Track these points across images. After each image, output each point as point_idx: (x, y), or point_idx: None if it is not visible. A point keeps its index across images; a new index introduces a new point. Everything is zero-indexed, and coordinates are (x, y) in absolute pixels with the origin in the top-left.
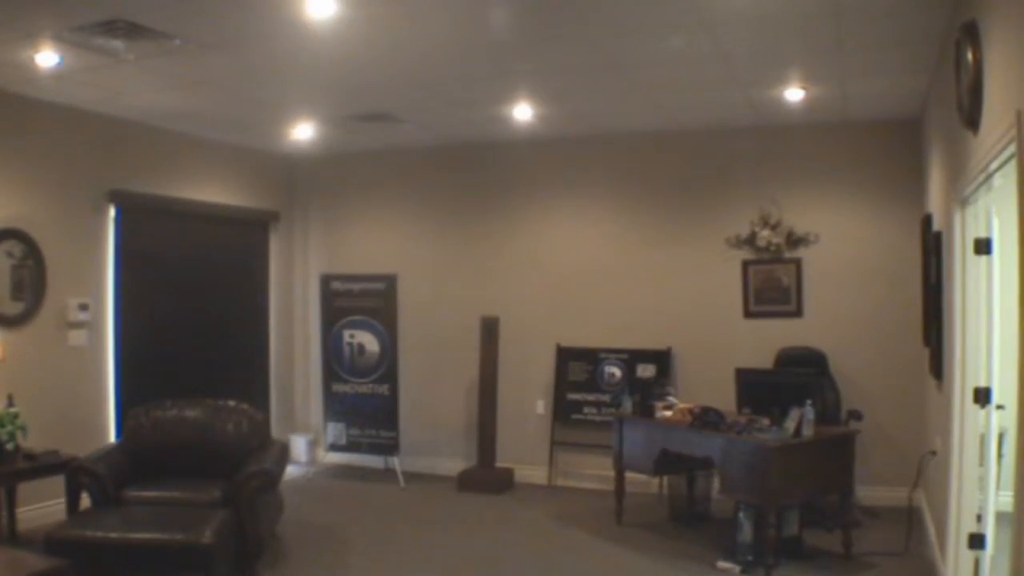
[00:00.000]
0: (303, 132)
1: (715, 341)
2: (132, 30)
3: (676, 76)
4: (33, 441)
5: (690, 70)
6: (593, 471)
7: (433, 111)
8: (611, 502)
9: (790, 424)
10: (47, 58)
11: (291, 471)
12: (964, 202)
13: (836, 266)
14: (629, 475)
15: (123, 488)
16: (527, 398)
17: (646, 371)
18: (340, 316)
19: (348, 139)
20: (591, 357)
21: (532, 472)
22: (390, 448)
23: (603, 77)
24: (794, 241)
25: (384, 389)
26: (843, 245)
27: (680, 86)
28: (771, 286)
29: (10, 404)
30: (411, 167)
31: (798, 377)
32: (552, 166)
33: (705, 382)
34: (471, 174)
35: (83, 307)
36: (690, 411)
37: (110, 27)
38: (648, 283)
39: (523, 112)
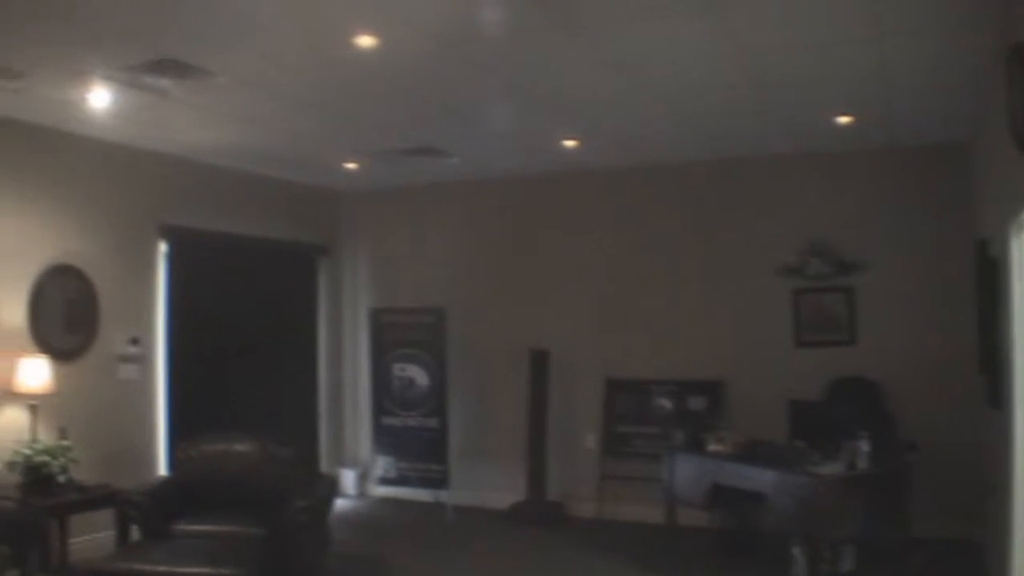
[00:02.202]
0: (350, 166)
1: (766, 371)
2: (179, 68)
3: (717, 103)
4: (84, 473)
5: (730, 97)
6: (643, 504)
7: (478, 144)
8: (662, 536)
9: (844, 456)
10: (98, 97)
11: (340, 504)
12: (1021, 226)
13: (888, 293)
14: (680, 509)
15: (172, 521)
16: (576, 431)
17: (696, 403)
18: (389, 349)
19: (394, 173)
20: (641, 389)
21: (582, 505)
22: (439, 481)
23: (645, 105)
24: (844, 268)
25: (433, 422)
26: (894, 271)
27: (721, 113)
28: (822, 315)
29: (62, 437)
30: (458, 200)
31: (851, 408)
32: (598, 197)
33: (756, 413)
34: (518, 206)
35: (134, 341)
36: (741, 444)
37: (158, 66)
38: (697, 314)
39: (568, 143)
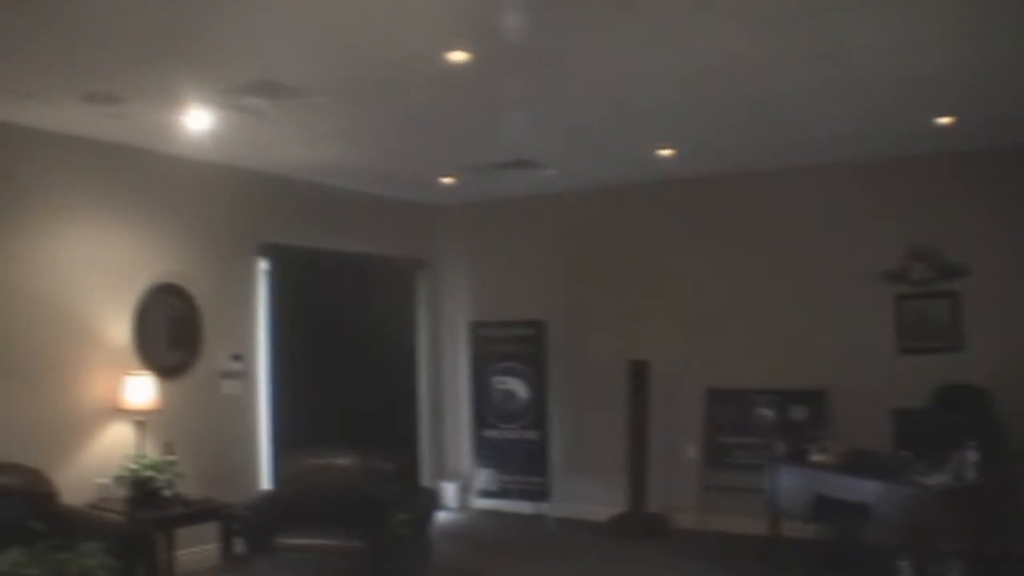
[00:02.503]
0: (446, 181)
1: (869, 379)
2: (274, 88)
3: (812, 107)
4: (189, 487)
5: (826, 100)
6: (746, 516)
7: (574, 155)
8: (765, 548)
9: (951, 467)
10: (196, 119)
11: (441, 517)
12: None
13: (995, 297)
14: (784, 520)
15: (275, 534)
16: (677, 442)
17: (798, 412)
18: (489, 362)
19: (491, 186)
20: (742, 399)
21: (683, 517)
22: (540, 494)
23: (738, 112)
24: (948, 273)
25: (533, 434)
26: (1000, 275)
27: (817, 117)
28: (926, 320)
29: (168, 452)
30: (555, 211)
31: (958, 416)
32: (695, 205)
33: (859, 423)
34: (614, 216)
35: (236, 357)
36: (845, 454)
37: (254, 87)
38: (798, 321)
39: (664, 152)
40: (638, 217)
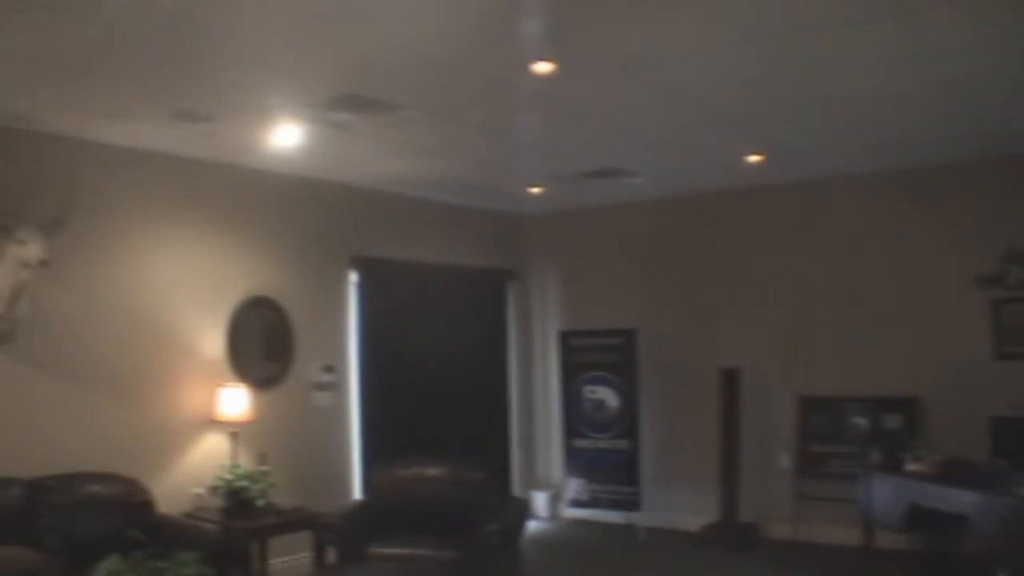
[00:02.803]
0: (534, 191)
1: (965, 387)
2: (361, 102)
3: (901, 110)
4: (282, 497)
5: (915, 103)
6: (840, 526)
7: (662, 162)
8: (859, 559)
9: None
10: (284, 135)
11: (532, 526)
12: None
13: None
14: (878, 531)
15: (366, 544)
16: (769, 450)
17: (892, 421)
18: (580, 371)
19: (579, 195)
20: (834, 407)
21: (776, 527)
22: (630, 504)
23: (827, 116)
24: None
25: (624, 444)
26: None
27: (906, 120)
28: None
29: (261, 462)
30: (643, 219)
31: None
32: (784, 211)
33: (955, 431)
34: (703, 223)
35: (328, 369)
36: (940, 463)
37: (342, 101)
38: (891, 328)
39: (752, 158)
40: (728, 223)
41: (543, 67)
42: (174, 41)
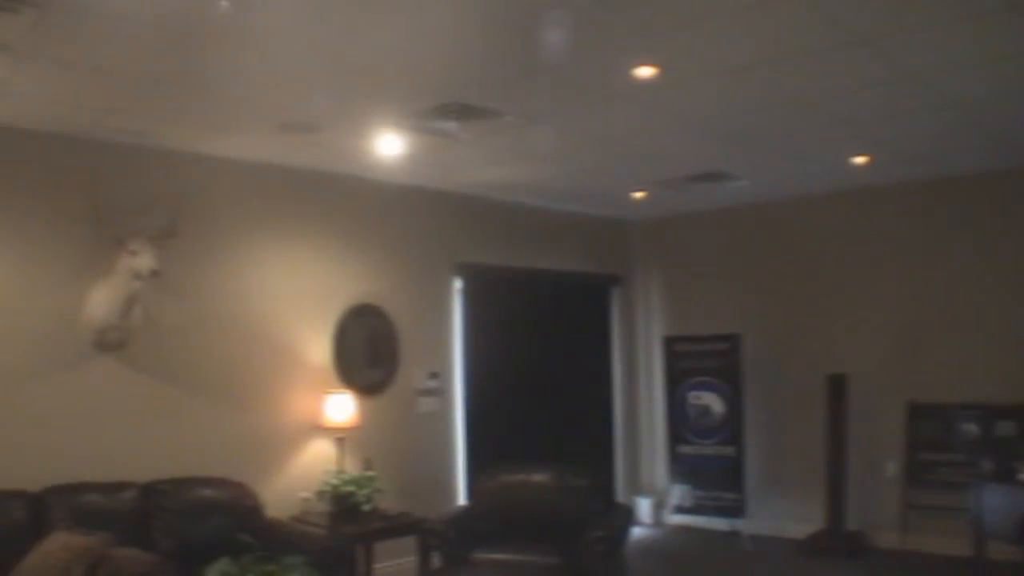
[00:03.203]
0: (637, 196)
1: None
2: (465, 111)
3: (1011, 109)
4: (388, 502)
5: None
6: (950, 536)
7: (765, 165)
8: (970, 570)
9: None
10: (388, 144)
11: (636, 533)
12: None
13: None
14: (990, 541)
15: (471, 549)
16: (877, 458)
17: (1005, 428)
18: (684, 377)
19: (682, 199)
20: (944, 414)
21: (883, 536)
22: (735, 510)
23: (935, 116)
24: None
25: (729, 450)
26: None
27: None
28: None
29: (367, 468)
30: (746, 222)
31: None
32: (891, 214)
33: None
34: (807, 226)
35: (433, 375)
36: None
37: (444, 110)
38: (1003, 332)
39: (858, 160)
40: (834, 226)
41: (645, 71)
42: (279, 61)
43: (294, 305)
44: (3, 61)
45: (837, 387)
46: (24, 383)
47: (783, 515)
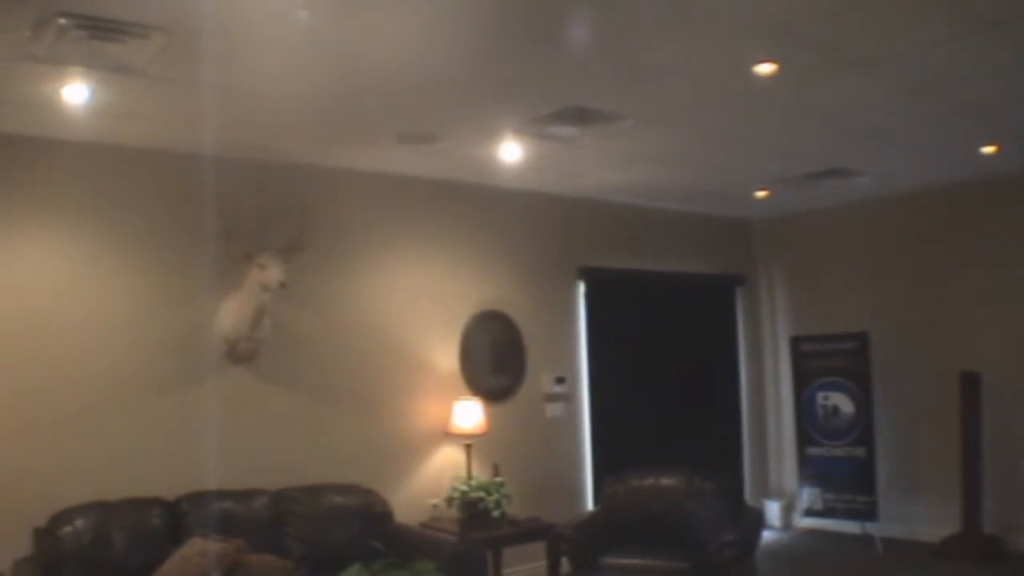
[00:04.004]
0: (760, 195)
1: None
2: (583, 115)
3: None
4: (516, 508)
5: None
6: None
7: (890, 159)
8: None
9: None
10: (509, 150)
11: (764, 536)
12: None
13: None
14: None
15: (600, 555)
16: (1014, 459)
17: None
18: (812, 377)
19: (804, 197)
20: None
21: (1023, 540)
22: (867, 513)
23: None
24: None
25: (860, 451)
26: None
27: None
28: None
29: (496, 473)
30: (871, 218)
31: None
32: (1022, 202)
33: None
34: (937, 220)
35: (559, 380)
36: None
37: (562, 115)
38: None
39: (987, 149)
40: (963, 219)
41: (766, 68)
42: (401, 73)
43: (420, 313)
44: (136, 86)
45: (971, 385)
46: (159, 394)
47: (916, 518)
